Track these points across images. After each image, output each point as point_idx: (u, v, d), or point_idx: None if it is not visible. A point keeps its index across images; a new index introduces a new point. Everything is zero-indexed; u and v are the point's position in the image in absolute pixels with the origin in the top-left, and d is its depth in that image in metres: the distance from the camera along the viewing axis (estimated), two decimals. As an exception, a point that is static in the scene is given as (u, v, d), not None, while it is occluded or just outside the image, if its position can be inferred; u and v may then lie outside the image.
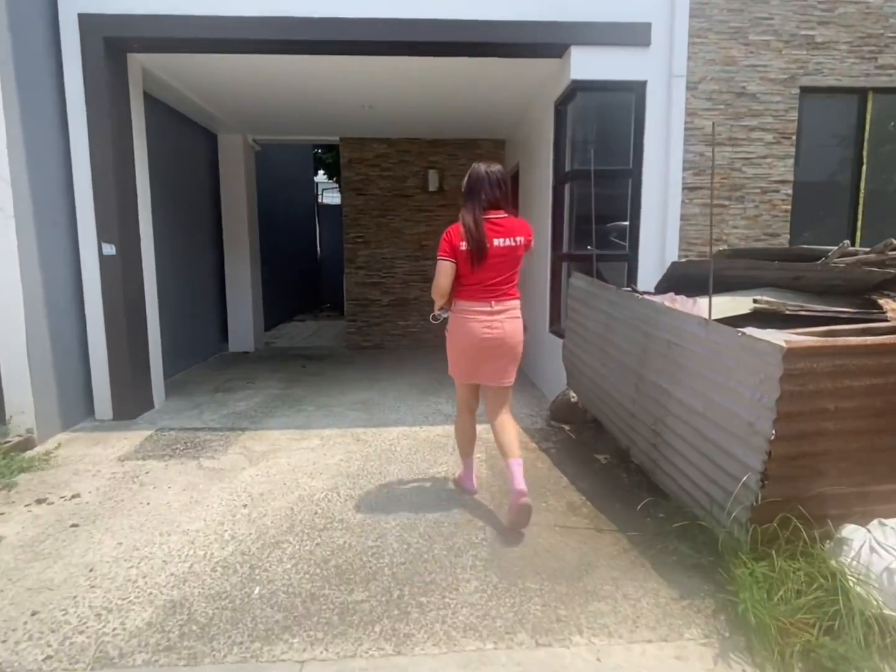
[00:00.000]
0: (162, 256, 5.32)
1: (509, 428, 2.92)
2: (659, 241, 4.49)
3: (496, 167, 2.82)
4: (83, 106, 4.15)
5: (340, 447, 3.84)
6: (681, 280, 4.01)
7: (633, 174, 4.47)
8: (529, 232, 2.81)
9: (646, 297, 3.21)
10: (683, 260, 3.89)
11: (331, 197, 17.06)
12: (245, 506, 2.98)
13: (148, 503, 3.02)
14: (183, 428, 4.26)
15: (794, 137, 4.45)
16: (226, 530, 2.72)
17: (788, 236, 4.55)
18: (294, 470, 3.45)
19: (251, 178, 7.47)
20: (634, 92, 4.41)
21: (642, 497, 2.95)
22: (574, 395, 4.26)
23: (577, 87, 4.35)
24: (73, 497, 3.08)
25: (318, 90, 5.43)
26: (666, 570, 2.34)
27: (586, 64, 4.26)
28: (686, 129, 4.37)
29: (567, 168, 4.84)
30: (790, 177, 4.49)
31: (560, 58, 4.46)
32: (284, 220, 10.46)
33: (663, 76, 4.33)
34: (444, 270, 2.73)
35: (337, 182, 18.00)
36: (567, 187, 4.87)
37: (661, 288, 3.96)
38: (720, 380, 2.36)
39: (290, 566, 2.41)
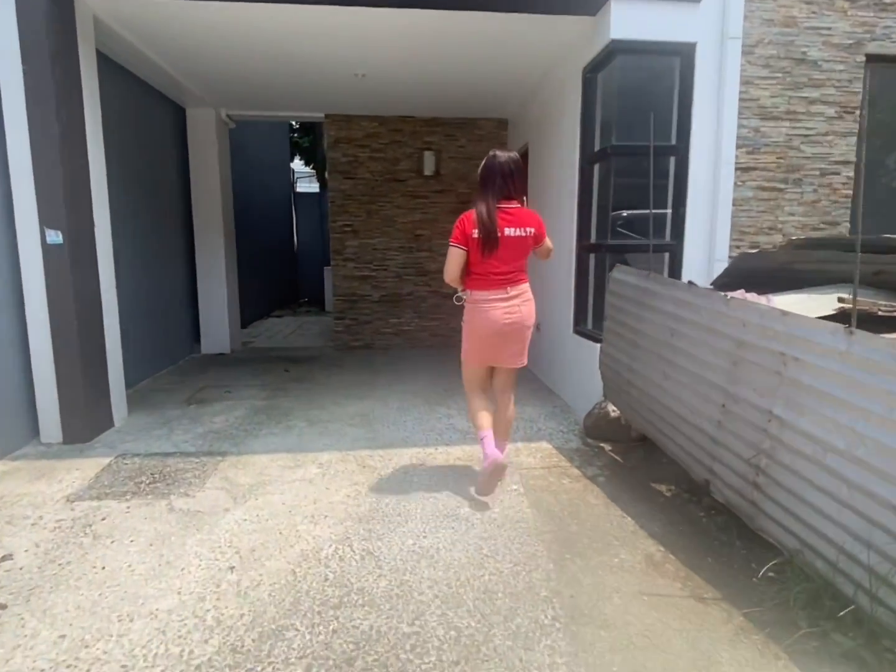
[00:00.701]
0: (122, 245, 4.53)
1: (511, 409, 3.13)
2: (706, 229, 3.92)
3: (512, 155, 2.85)
4: (18, 60, 3.36)
5: (344, 477, 3.17)
6: (744, 274, 3.44)
7: (678, 151, 3.87)
8: (540, 223, 2.88)
9: (737, 296, 2.61)
10: (754, 251, 3.31)
11: (307, 185, 16.18)
12: (232, 569, 2.30)
13: (103, 567, 2.31)
14: (150, 453, 3.53)
15: (857, 112, 3.91)
16: (208, 610, 2.04)
17: (848, 225, 4.02)
18: (291, 511, 2.78)
19: (225, 158, 6.67)
20: (681, 56, 3.81)
21: (734, 546, 2.39)
22: (615, 409, 3.67)
23: (616, 50, 3.72)
24: (3, 560, 2.35)
25: (303, 55, 4.69)
26: (811, 664, 1.76)
27: (627, 22, 3.64)
28: (740, 99, 3.79)
29: (596, 146, 4.23)
30: (852, 157, 3.96)
31: (594, 15, 3.83)
32: (259, 209, 9.63)
33: (715, 38, 3.75)
34: (454, 257, 2.79)
35: (314, 169, 17.14)
36: (596, 168, 4.26)
37: (721, 283, 3.39)
38: (878, 410, 1.78)
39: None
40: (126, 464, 3.36)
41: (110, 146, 4.16)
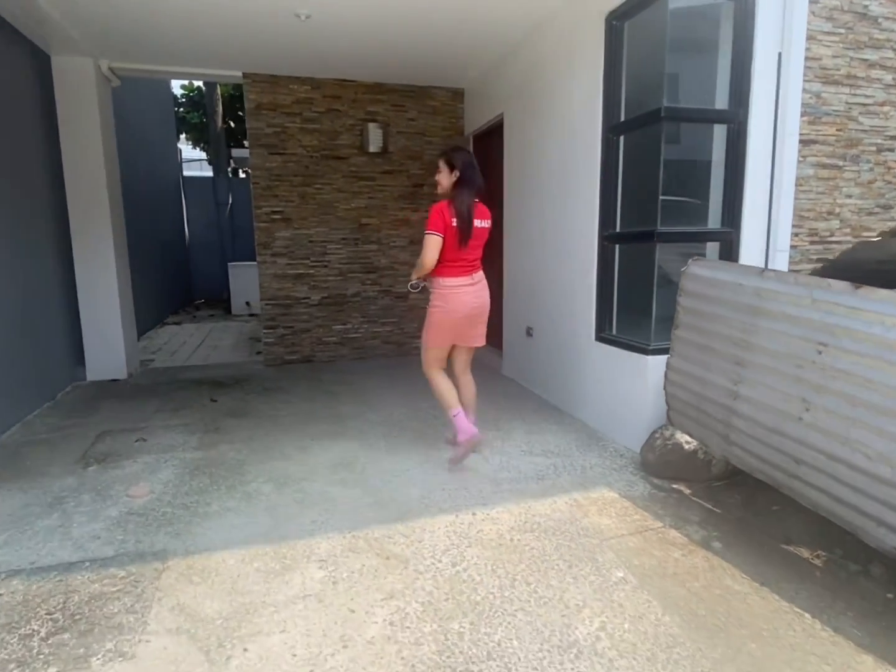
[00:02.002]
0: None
1: (474, 384, 3.38)
2: (765, 213, 3.28)
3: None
4: None
5: (367, 583, 2.12)
6: (845, 268, 2.83)
7: (736, 119, 3.18)
8: (490, 216, 3.14)
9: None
10: (875, 238, 2.71)
11: (196, 169, 14.13)
12: None
13: None
14: (38, 568, 2.23)
15: (910, 80, 3.46)
16: None
17: (901, 209, 3.58)
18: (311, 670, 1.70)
19: (109, 126, 5.10)
20: (735, 2, 3.11)
21: None
22: (689, 440, 2.92)
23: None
24: None
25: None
26: None
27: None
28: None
29: (621, 113, 3.45)
30: (905, 132, 3.51)
31: (634, -58, 3.02)
32: (143, 195, 7.88)
33: (777, -21, 3.08)
34: (434, 244, 2.94)
35: (204, 150, 15.06)
36: (622, 140, 3.49)
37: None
38: None
39: None
40: (-3, 598, 2.05)
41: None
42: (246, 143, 14.67)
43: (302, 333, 5.83)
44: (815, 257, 3.44)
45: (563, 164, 3.99)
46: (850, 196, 3.44)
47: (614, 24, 3.39)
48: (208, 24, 4.19)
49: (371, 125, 5.64)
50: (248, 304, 10.15)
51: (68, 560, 2.29)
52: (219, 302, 11.80)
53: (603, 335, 3.67)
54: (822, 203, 3.38)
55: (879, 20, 3.32)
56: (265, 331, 5.73)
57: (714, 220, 3.36)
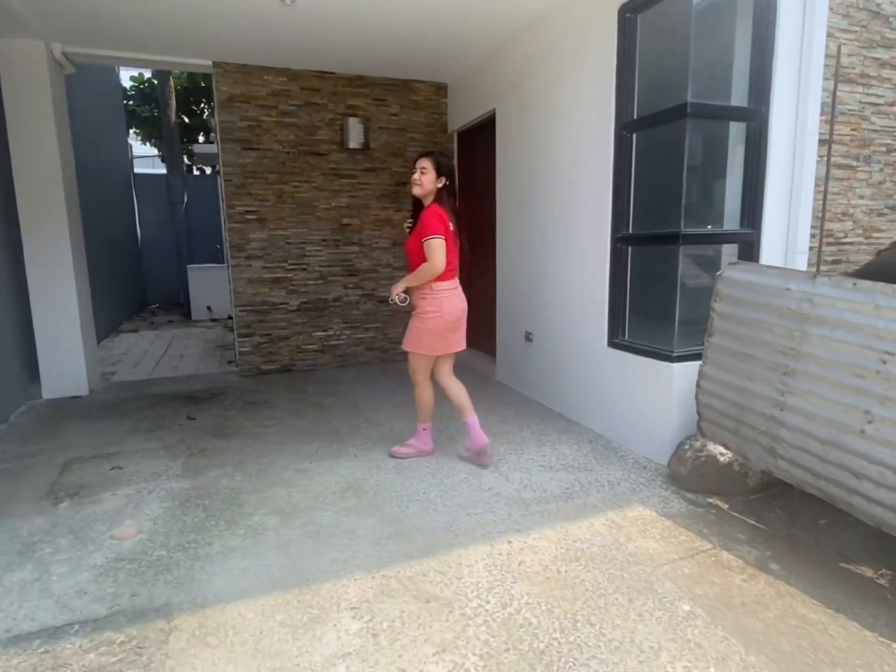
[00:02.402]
0: None
1: (461, 384, 3.32)
2: (783, 213, 3.19)
3: None
4: None
5: (412, 634, 1.87)
6: (877, 271, 2.76)
7: (757, 117, 3.07)
8: None
9: None
10: None
11: (147, 166, 13.34)
12: None
13: None
14: (13, 637, 1.87)
15: (916, 81, 3.45)
16: None
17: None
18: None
19: (63, 115, 4.61)
20: (756, -5, 3.01)
21: None
22: (724, 452, 2.79)
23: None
24: None
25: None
26: None
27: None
28: (821, 55, 3.10)
29: (634, 110, 3.30)
30: (912, 132, 3.50)
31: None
32: (94, 192, 7.29)
33: (798, -28, 3.00)
34: (443, 249, 2.94)
35: (156, 146, 14.25)
36: (634, 138, 3.34)
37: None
38: None
39: None
40: (-31, 682, 1.69)
41: None
42: (202, 138, 14.02)
43: (280, 341, 5.47)
44: (829, 259, 3.39)
45: (570, 162, 3.82)
46: (862, 197, 3.40)
47: (628, 16, 3.24)
48: (176, 5, 3.81)
49: (351, 120, 5.34)
50: (209, 308, 9.62)
51: (52, 623, 1.94)
52: (176, 306, 11.17)
53: (616, 341, 3.52)
54: (837, 204, 3.33)
55: (890, 19, 3.29)
56: (240, 339, 5.34)
57: (731, 222, 3.25)
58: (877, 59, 3.29)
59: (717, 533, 2.48)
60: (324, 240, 5.48)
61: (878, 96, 3.34)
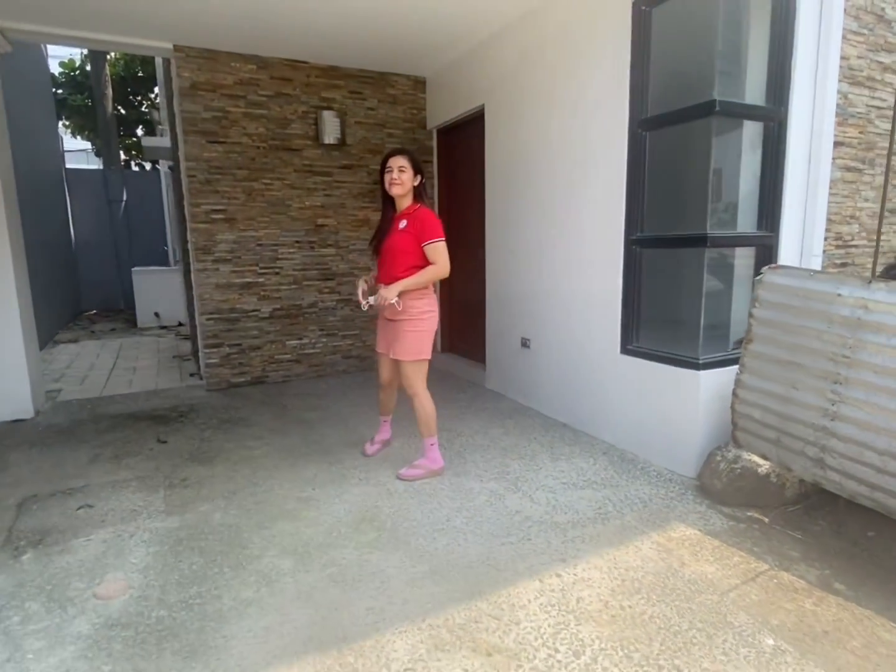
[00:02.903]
0: None
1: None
2: (800, 215, 3.14)
3: None
4: None
5: (487, 697, 1.63)
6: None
7: (777, 117, 3.00)
8: None
9: None
10: None
11: (80, 160, 12.31)
12: None
13: None
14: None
15: (914, 86, 3.49)
16: None
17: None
18: None
19: (-2, 100, 4.06)
20: (776, -9, 2.93)
21: None
22: (762, 462, 2.68)
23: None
24: None
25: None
26: None
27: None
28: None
29: (648, 108, 3.17)
30: (908, 136, 3.54)
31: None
32: (23, 188, 6.53)
33: (817, -28, 2.94)
34: (446, 251, 2.92)
35: (89, 139, 13.20)
36: (647, 137, 3.21)
37: None
38: None
39: None
40: None
41: None
42: (141, 131, 13.11)
43: (251, 351, 5.05)
44: (838, 262, 3.38)
45: (576, 161, 3.65)
46: (867, 199, 3.41)
47: (643, 9, 3.10)
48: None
49: (326, 113, 4.99)
50: (157, 315, 8.94)
51: (39, 720, 1.57)
52: (116, 313, 10.37)
53: (631, 347, 3.38)
54: (846, 207, 3.32)
55: (893, 24, 3.30)
56: (206, 350, 4.89)
57: (745, 223, 3.17)
58: (881, 62, 3.29)
59: (769, 551, 2.36)
60: (298, 241, 5.10)
61: (882, 100, 3.35)
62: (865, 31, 3.18)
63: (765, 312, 2.56)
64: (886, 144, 3.42)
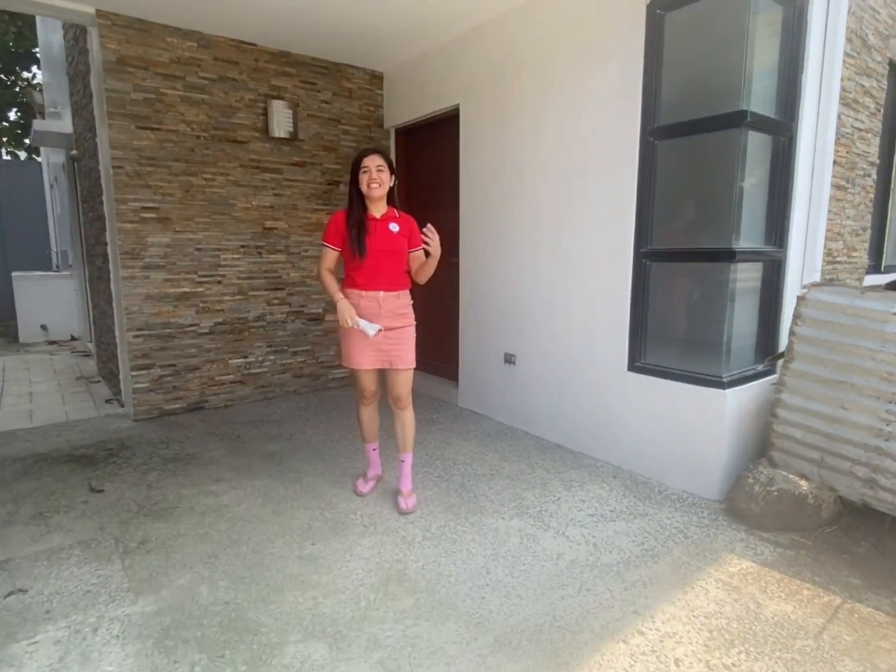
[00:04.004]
0: None
1: None
2: (803, 232, 3.16)
3: None
4: None
5: None
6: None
7: (788, 132, 2.99)
8: None
9: None
10: None
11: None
12: None
13: None
14: None
15: (881, 111, 3.68)
16: None
17: (869, 232, 3.81)
18: None
19: None
20: (792, 2, 2.92)
21: None
22: (801, 484, 2.60)
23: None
24: None
25: None
26: None
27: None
28: (832, 75, 3.11)
29: (658, 118, 3.05)
30: (875, 158, 3.73)
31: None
32: None
33: (822, -9, 2.97)
34: None
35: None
36: (659, 146, 3.09)
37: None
38: None
39: None
40: None
41: None
42: (14, 115, 11.37)
43: (188, 373, 4.36)
44: (828, 277, 3.46)
45: (575, 169, 3.45)
46: (848, 217, 3.53)
47: (658, 13, 2.97)
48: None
49: (277, 103, 4.44)
50: (44, 327, 7.69)
51: None
52: (-12, 325, 8.81)
53: (640, 364, 3.23)
54: (834, 224, 3.41)
55: (872, 51, 3.45)
56: (135, 373, 4.13)
57: (751, 238, 3.13)
58: (862, 85, 3.43)
59: (831, 580, 2.26)
60: (243, 246, 4.49)
61: (861, 122, 3.49)
62: (854, 55, 3.29)
63: (808, 330, 2.49)
64: (865, 165, 3.57)
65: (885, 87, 3.67)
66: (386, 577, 2.25)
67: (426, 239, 2.55)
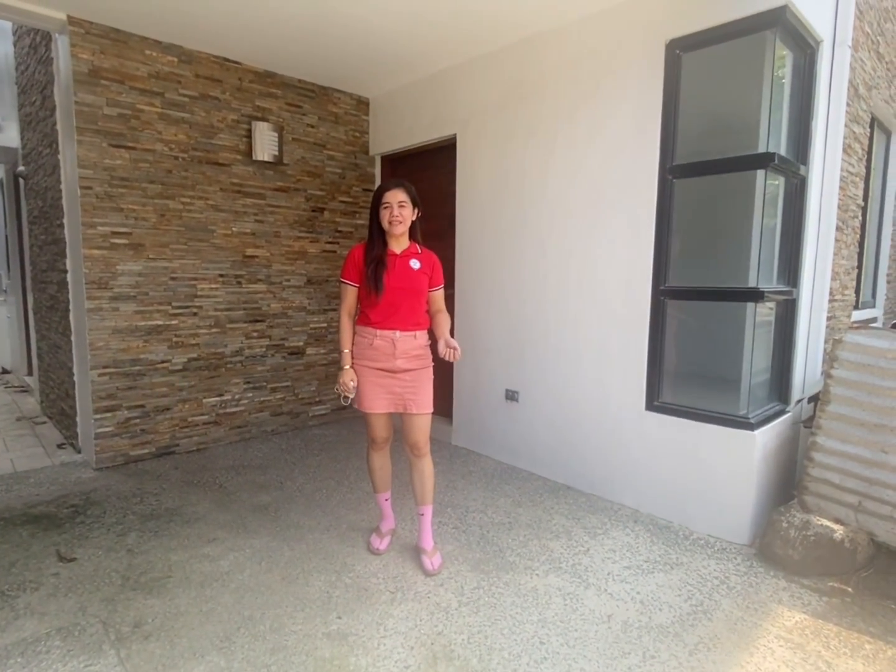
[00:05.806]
0: None
1: None
2: (811, 272, 3.21)
3: None
4: None
5: None
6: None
7: (801, 175, 3.04)
8: None
9: None
10: None
11: None
12: None
13: None
14: None
15: (867, 156, 3.86)
16: None
17: (857, 271, 3.95)
18: None
19: None
20: (804, 51, 3.00)
21: None
22: (837, 528, 2.57)
23: (768, 23, 2.65)
24: None
25: None
26: None
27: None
28: (833, 120, 3.22)
29: (675, 156, 3.05)
30: (860, 201, 3.89)
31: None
32: None
33: (829, 41, 3.08)
34: None
35: None
36: (675, 185, 3.08)
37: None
38: None
39: None
40: None
41: None
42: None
43: (157, 414, 3.94)
44: (828, 316, 3.53)
45: (588, 205, 3.38)
46: (843, 257, 3.64)
47: (677, 52, 2.98)
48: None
49: (261, 125, 4.19)
50: (-30, 359, 6.90)
51: None
52: None
53: (659, 404, 3.16)
54: (835, 263, 3.50)
55: (862, 101, 3.61)
56: (97, 416, 3.69)
57: (768, 277, 3.14)
58: (854, 132, 3.57)
59: (887, 631, 2.20)
60: (222, 275, 4.16)
61: (852, 165, 3.63)
62: (850, 102, 3.42)
63: (845, 373, 2.48)
64: (854, 207, 3.71)
65: (868, 133, 3.86)
66: (432, 655, 2.00)
67: (446, 357, 2.31)
